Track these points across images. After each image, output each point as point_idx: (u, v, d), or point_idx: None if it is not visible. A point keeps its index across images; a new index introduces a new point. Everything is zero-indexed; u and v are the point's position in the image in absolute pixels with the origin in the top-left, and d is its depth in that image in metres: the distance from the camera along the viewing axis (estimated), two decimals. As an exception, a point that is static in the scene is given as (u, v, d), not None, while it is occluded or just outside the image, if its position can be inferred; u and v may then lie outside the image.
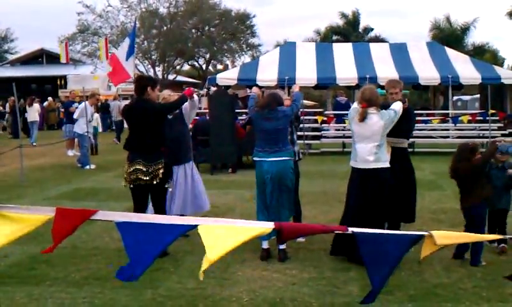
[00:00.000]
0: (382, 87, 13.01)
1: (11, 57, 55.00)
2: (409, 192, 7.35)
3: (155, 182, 6.87)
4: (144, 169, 6.81)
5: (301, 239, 7.30)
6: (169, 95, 8.17)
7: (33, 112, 25.20)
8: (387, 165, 6.66)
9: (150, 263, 3.19)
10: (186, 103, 7.67)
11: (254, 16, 46.57)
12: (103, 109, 32.85)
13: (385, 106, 6.76)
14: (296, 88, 7.52)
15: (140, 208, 7.01)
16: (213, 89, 20.74)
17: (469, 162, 6.64)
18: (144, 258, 3.28)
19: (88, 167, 15.34)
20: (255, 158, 7.01)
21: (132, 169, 6.84)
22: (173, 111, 7.55)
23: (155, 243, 3.25)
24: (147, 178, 6.82)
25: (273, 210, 6.79)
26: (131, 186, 6.96)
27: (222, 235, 3.13)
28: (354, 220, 6.29)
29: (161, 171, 6.92)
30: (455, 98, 25.71)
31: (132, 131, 7.11)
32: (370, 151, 6.52)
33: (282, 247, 6.75)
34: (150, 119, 6.96)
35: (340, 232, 3.17)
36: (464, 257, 6.66)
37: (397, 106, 6.75)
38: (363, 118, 6.50)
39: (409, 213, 7.41)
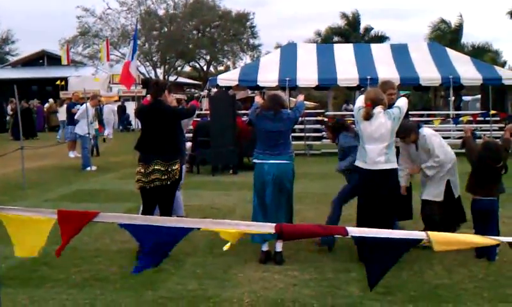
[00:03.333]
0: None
1: (12, 59, 55.01)
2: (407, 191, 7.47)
3: (169, 183, 6.90)
4: (163, 169, 6.85)
5: None
6: (174, 98, 8.36)
7: (63, 112, 26.06)
8: (396, 165, 6.69)
9: (157, 262, 3.25)
10: None
11: (254, 14, 46.69)
12: (120, 110, 33.26)
13: (390, 107, 6.76)
14: (300, 98, 7.55)
15: (150, 209, 7.07)
16: (214, 90, 20.75)
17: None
18: (155, 254, 3.33)
19: (88, 168, 15.33)
20: (255, 160, 6.99)
21: (150, 169, 6.87)
22: (186, 118, 7.78)
23: (161, 245, 3.28)
24: (165, 177, 6.86)
25: (272, 212, 6.73)
26: (147, 187, 6.97)
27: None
28: (366, 221, 6.32)
29: (178, 171, 6.98)
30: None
31: (148, 132, 7.13)
32: (380, 152, 6.50)
33: (279, 249, 6.73)
34: (168, 121, 7.07)
35: (340, 235, 3.17)
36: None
37: (402, 102, 6.77)
38: (368, 116, 6.51)
39: (407, 211, 7.56)
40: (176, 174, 6.99)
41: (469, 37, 64.05)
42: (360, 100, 6.87)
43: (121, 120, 34.73)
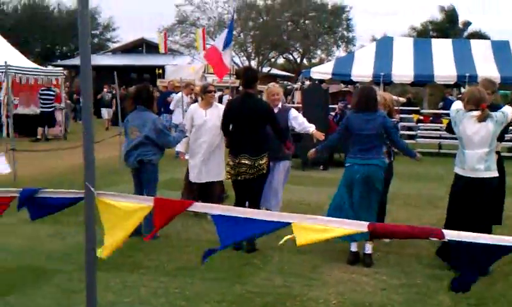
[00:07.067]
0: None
1: (112, 45, 56.78)
2: (499, 195, 7.17)
3: (256, 176, 7.02)
4: (249, 163, 6.99)
5: (386, 240, 7.10)
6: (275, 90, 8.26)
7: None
8: (496, 174, 6.41)
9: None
10: (297, 113, 8.34)
11: (350, 8, 46.15)
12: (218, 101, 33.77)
13: (491, 107, 6.49)
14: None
15: (241, 200, 7.26)
16: (307, 83, 20.68)
17: None
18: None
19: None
20: (346, 164, 6.88)
21: (237, 162, 7.02)
22: (274, 130, 7.45)
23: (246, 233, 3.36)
24: (251, 171, 6.98)
25: (359, 211, 6.50)
26: (233, 179, 7.19)
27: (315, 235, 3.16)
28: (456, 228, 6.14)
29: (265, 165, 7.07)
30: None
31: (240, 127, 7.22)
32: (480, 159, 6.26)
33: (368, 251, 6.64)
34: (262, 118, 7.19)
35: (436, 239, 3.09)
36: None
37: (508, 109, 6.47)
38: (485, 118, 6.24)
39: (497, 216, 7.24)
40: (264, 169, 7.10)
41: None
42: (459, 103, 6.66)
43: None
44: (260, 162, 7.06)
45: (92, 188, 3.33)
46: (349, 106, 15.52)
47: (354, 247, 6.68)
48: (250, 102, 7.20)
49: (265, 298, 5.58)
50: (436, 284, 6.02)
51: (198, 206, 3.42)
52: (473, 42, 23.26)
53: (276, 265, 6.56)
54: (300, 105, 17.00)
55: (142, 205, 3.43)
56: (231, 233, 3.34)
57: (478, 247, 3.03)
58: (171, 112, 16.81)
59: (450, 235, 3.02)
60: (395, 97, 17.08)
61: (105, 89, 27.69)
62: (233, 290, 5.77)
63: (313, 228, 3.21)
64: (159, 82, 33.63)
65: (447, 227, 6.58)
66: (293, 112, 8.38)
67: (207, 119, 8.38)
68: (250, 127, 7.10)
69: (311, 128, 8.29)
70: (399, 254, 7.04)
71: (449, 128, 6.96)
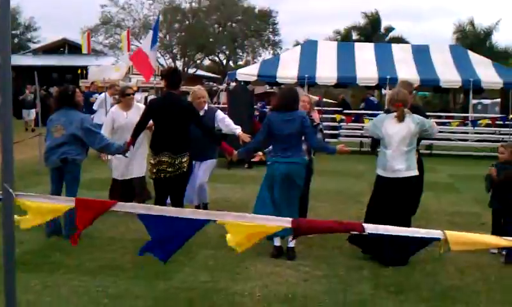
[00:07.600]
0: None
1: (33, 46, 55.11)
2: (417, 190, 7.46)
3: (177, 174, 6.97)
4: (170, 161, 6.91)
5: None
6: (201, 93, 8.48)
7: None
8: (416, 172, 6.64)
9: (172, 253, 3.29)
10: (223, 115, 8.66)
11: (277, 13, 46.63)
12: (145, 102, 33.27)
13: (411, 108, 6.75)
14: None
15: (161, 199, 7.19)
16: (233, 84, 20.75)
17: None
18: (167, 246, 3.38)
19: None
20: (268, 163, 6.98)
21: (157, 161, 6.95)
22: (198, 126, 7.40)
23: (176, 236, 3.33)
24: (171, 169, 6.93)
25: (283, 208, 6.63)
26: (154, 177, 7.08)
27: (244, 231, 3.19)
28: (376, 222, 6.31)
29: (186, 163, 7.03)
30: (475, 101, 25.48)
31: (162, 126, 7.14)
32: (401, 158, 6.45)
33: (291, 245, 6.72)
34: (185, 118, 7.12)
35: (357, 232, 3.17)
36: None
37: (433, 122, 6.86)
38: (403, 117, 6.47)
39: (412, 208, 7.50)
40: (184, 167, 7.06)
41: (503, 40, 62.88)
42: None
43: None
44: (181, 160, 7.02)
45: (10, 190, 3.25)
46: (267, 107, 15.72)
47: (277, 242, 6.75)
48: (172, 100, 7.15)
49: (190, 293, 5.55)
50: (358, 274, 6.17)
51: (120, 206, 3.38)
52: (395, 46, 23.96)
53: (201, 261, 6.54)
54: (225, 106, 17.03)
55: (63, 206, 3.37)
56: (160, 232, 3.32)
57: (398, 240, 3.14)
58: (93, 112, 16.46)
59: (370, 228, 3.11)
60: (313, 96, 17.34)
61: (27, 91, 26.82)
62: (158, 286, 5.71)
63: (240, 225, 3.23)
64: (81, 82, 32.91)
65: (367, 222, 6.76)
66: (219, 114, 8.61)
67: (128, 120, 8.39)
68: (171, 126, 7.04)
69: (237, 129, 8.44)
70: (322, 246, 7.16)
71: (373, 145, 7.22)
